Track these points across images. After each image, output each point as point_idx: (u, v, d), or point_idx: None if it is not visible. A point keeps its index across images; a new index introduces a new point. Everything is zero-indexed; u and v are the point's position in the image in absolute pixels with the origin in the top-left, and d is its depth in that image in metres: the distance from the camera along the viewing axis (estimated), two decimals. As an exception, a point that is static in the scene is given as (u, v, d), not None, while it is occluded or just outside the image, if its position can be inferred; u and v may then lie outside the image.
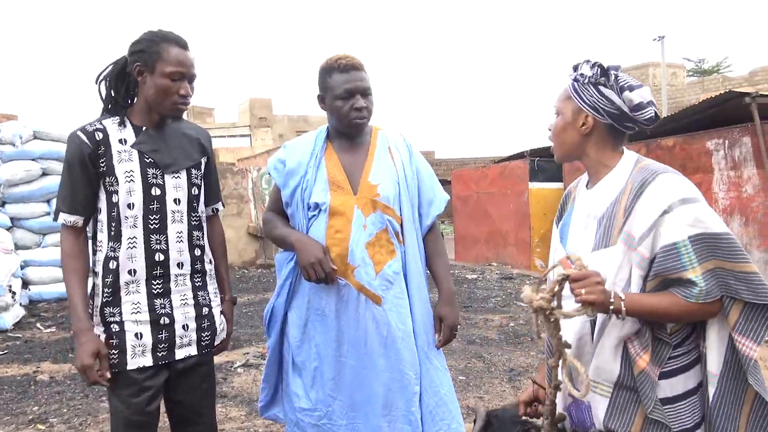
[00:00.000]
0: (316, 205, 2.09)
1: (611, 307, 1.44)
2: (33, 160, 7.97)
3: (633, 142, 9.01)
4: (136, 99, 1.97)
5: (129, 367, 1.88)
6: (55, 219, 1.93)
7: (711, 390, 1.54)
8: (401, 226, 2.15)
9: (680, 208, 1.47)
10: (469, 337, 6.00)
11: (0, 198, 7.92)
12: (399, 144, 2.24)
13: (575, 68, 1.65)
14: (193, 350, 1.99)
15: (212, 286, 2.09)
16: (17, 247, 7.76)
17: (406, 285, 2.14)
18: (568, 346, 1.54)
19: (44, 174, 8.31)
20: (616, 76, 1.59)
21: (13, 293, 6.79)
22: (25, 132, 8.01)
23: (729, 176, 7.69)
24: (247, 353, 5.53)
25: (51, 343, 6.12)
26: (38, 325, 6.95)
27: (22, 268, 7.44)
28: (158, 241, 1.93)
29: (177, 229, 1.96)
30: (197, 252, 2.02)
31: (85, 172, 1.89)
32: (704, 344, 1.57)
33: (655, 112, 1.58)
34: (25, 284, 7.61)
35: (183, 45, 1.94)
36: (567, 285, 1.45)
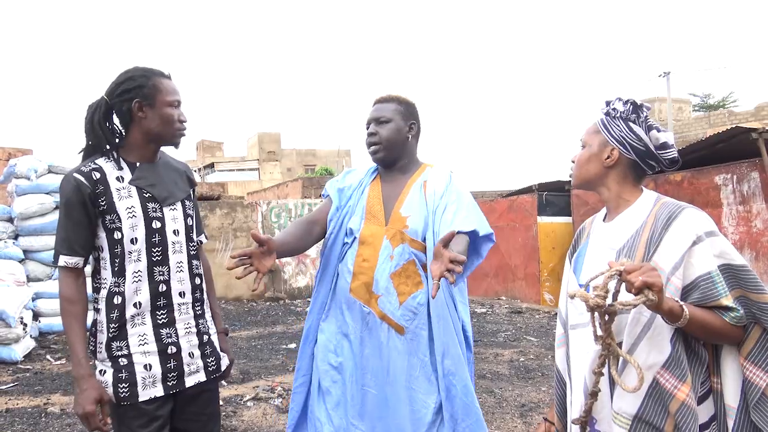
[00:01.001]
0: (351, 231, 2.20)
1: (677, 307, 1.43)
2: (47, 193, 8.08)
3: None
4: (127, 136, 2.03)
5: (141, 399, 1.90)
6: (55, 262, 1.95)
7: (730, 423, 1.54)
8: (426, 257, 2.18)
9: (708, 240, 1.54)
10: (480, 372, 5.96)
11: (14, 230, 8.01)
12: (438, 179, 2.26)
13: (608, 103, 1.72)
14: (201, 377, 2.03)
15: (208, 314, 2.14)
16: (29, 279, 7.82)
17: (428, 315, 2.16)
18: (618, 347, 1.50)
19: (57, 207, 8.43)
20: (646, 116, 1.66)
21: (24, 325, 6.81)
22: (40, 166, 8.14)
23: (738, 211, 7.70)
24: (257, 387, 5.52)
25: (61, 375, 6.12)
26: (48, 357, 6.95)
27: (33, 299, 7.48)
28: (161, 273, 1.98)
29: (177, 259, 2.02)
30: (197, 281, 2.08)
31: (85, 212, 1.92)
32: (717, 378, 1.58)
33: (678, 156, 1.65)
34: (36, 316, 7.64)
35: (169, 76, 2.07)
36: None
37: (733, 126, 8.13)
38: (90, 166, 1.96)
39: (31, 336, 7.20)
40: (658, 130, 1.65)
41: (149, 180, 2.01)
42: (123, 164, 2.00)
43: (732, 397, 1.55)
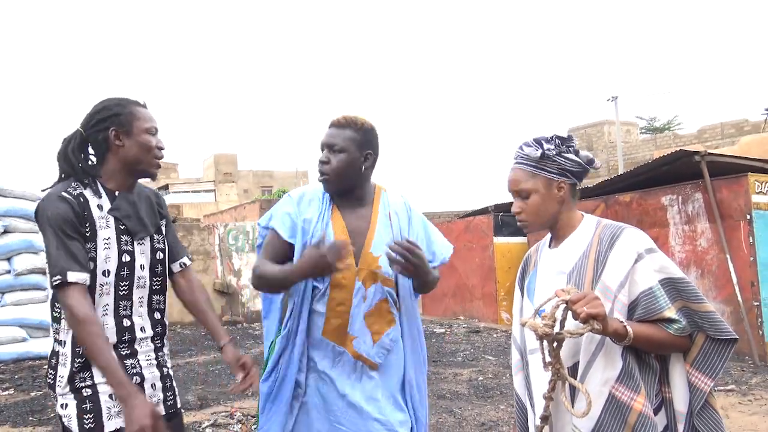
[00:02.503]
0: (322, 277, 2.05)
1: (621, 328, 1.54)
2: (-6, 217, 7.86)
3: (592, 198, 9.35)
4: (104, 165, 2.00)
5: (107, 430, 1.86)
6: (60, 283, 1.81)
7: (680, 428, 1.65)
8: (398, 294, 2.16)
9: (648, 257, 1.66)
10: (439, 392, 6.01)
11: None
12: (399, 208, 2.23)
13: (521, 149, 1.78)
14: (161, 409, 1.99)
15: (166, 348, 2.11)
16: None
17: (404, 347, 2.18)
18: (563, 374, 1.59)
19: (5, 231, 8.18)
20: (570, 139, 1.77)
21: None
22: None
23: (684, 230, 8.01)
24: (215, 413, 5.44)
25: (9, 406, 5.91)
26: (-5, 387, 6.70)
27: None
28: (125, 307, 1.96)
29: (139, 294, 2.00)
30: (157, 315, 2.05)
31: (77, 230, 1.88)
32: (667, 388, 1.69)
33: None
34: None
35: (145, 105, 2.07)
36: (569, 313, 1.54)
37: (678, 149, 8.49)
38: (76, 190, 1.92)
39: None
40: (579, 149, 1.78)
41: (126, 211, 1.99)
42: (102, 192, 1.97)
43: (681, 404, 1.66)
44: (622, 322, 1.56)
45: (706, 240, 7.74)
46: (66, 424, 1.87)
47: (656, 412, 1.66)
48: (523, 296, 1.89)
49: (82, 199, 1.92)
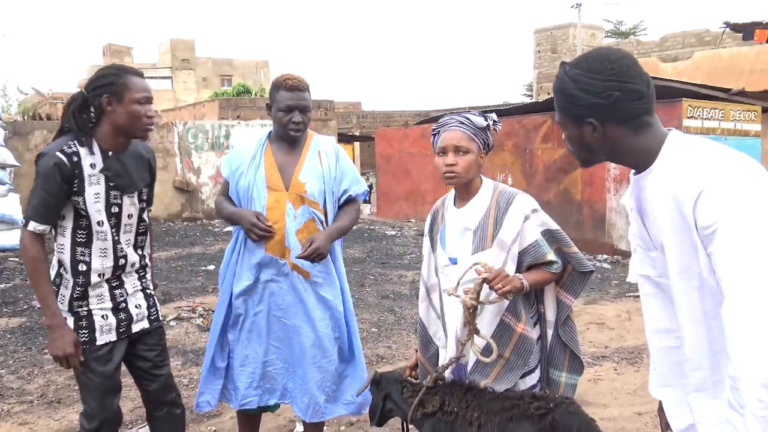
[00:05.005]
0: (259, 202, 2.61)
1: (520, 285, 2.06)
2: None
3: (539, 113, 9.78)
4: (99, 127, 2.27)
5: (98, 343, 2.30)
6: (25, 225, 2.20)
7: (549, 333, 2.27)
8: (325, 216, 2.68)
9: (533, 216, 2.18)
10: (384, 293, 6.64)
11: None
12: (328, 149, 2.75)
13: (466, 117, 2.20)
14: (145, 324, 2.45)
15: (149, 275, 2.55)
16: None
17: (332, 261, 2.71)
18: (478, 330, 2.10)
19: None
20: (499, 122, 2.23)
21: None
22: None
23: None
24: (179, 307, 5.95)
25: (-18, 297, 6.30)
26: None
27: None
28: (120, 249, 2.34)
29: (127, 237, 2.38)
30: (139, 251, 2.46)
31: (60, 188, 2.18)
32: (542, 305, 2.27)
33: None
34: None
35: (141, 75, 2.33)
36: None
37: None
38: (71, 149, 2.21)
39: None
40: (496, 123, 2.25)
41: (116, 170, 2.29)
42: (96, 150, 2.26)
43: (551, 314, 2.27)
44: (520, 279, 2.07)
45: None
46: None
47: (534, 325, 2.24)
48: (434, 246, 2.33)
49: (75, 158, 2.21)
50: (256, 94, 19.53)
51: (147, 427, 2.63)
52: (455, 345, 2.19)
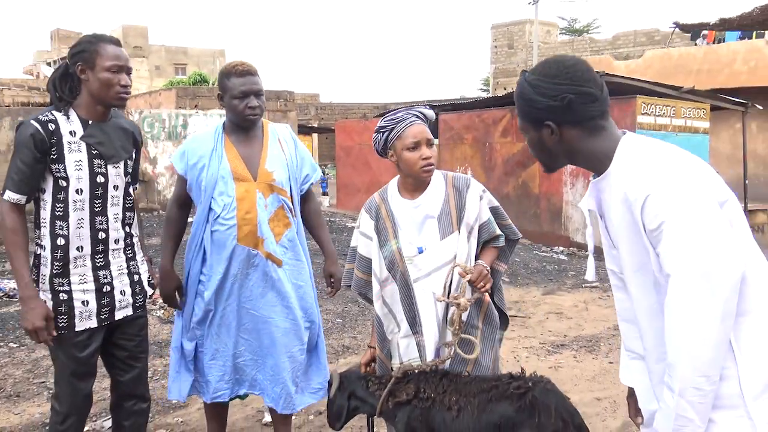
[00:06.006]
0: (227, 195, 2.56)
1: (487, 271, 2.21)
2: None
3: (499, 108, 9.94)
4: (80, 95, 2.26)
5: (77, 329, 2.24)
6: (1, 195, 2.18)
7: (489, 300, 2.44)
8: (292, 203, 2.70)
9: (485, 196, 2.35)
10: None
11: None
12: (286, 137, 2.77)
13: (421, 112, 2.31)
14: (129, 311, 2.39)
15: (139, 255, 2.46)
16: None
17: (301, 248, 2.72)
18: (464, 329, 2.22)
19: None
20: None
21: None
22: None
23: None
24: (138, 299, 5.84)
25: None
26: None
27: None
28: (101, 222, 2.28)
29: (114, 211, 2.32)
30: (128, 229, 2.39)
31: (35, 157, 2.14)
32: None
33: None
34: None
35: (117, 43, 2.28)
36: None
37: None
38: (47, 117, 2.19)
39: None
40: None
41: (98, 138, 2.25)
42: (75, 119, 2.23)
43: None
44: (486, 267, 2.21)
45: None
46: None
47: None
48: (385, 241, 2.31)
49: (52, 126, 2.18)
50: (213, 84, 19.19)
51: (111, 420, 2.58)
52: (437, 338, 2.24)
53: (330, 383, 2.37)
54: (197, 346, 2.71)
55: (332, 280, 2.83)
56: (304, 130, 21.10)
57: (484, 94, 37.02)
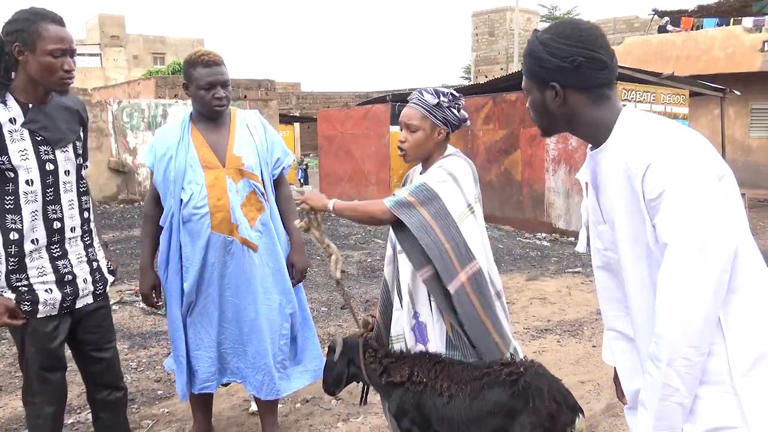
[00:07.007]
0: (195, 183, 2.54)
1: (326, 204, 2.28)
2: None
3: (481, 95, 9.95)
4: (15, 76, 2.04)
5: (39, 316, 2.14)
6: None
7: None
8: (264, 187, 2.68)
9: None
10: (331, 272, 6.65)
11: None
12: (255, 122, 2.75)
13: (421, 94, 2.25)
14: (89, 299, 2.30)
15: (96, 242, 2.36)
16: None
17: (276, 232, 2.71)
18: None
19: None
20: (459, 98, 2.26)
21: None
22: None
23: (558, 130, 8.84)
24: (120, 291, 5.80)
25: None
26: None
27: None
28: (54, 211, 2.14)
29: (69, 198, 2.18)
30: (85, 215, 2.28)
31: None
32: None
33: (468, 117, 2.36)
34: None
35: (60, 21, 2.06)
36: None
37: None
38: None
39: None
40: (462, 107, 2.27)
41: (41, 123, 2.07)
42: (14, 104, 2.04)
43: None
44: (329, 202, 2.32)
45: (575, 140, 8.62)
46: None
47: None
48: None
49: None
50: (192, 73, 18.93)
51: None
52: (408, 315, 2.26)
53: (331, 348, 2.39)
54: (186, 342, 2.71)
55: (294, 268, 2.79)
56: (285, 119, 20.93)
57: (466, 82, 37.01)
